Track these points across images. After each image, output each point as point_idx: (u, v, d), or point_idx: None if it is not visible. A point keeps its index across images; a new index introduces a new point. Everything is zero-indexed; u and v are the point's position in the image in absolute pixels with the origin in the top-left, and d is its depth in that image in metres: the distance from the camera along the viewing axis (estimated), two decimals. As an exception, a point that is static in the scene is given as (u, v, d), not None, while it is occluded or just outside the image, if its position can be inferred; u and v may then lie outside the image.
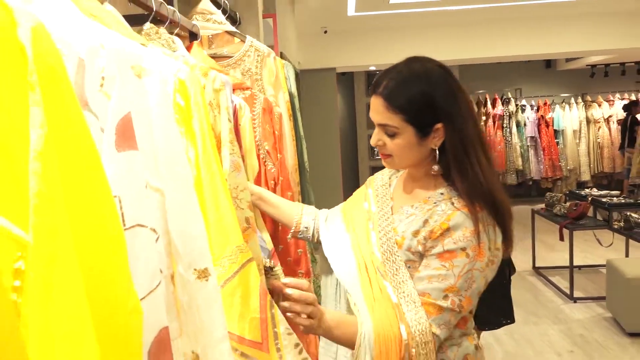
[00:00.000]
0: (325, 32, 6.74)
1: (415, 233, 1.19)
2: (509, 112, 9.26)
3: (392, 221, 1.26)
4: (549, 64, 9.82)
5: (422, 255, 1.18)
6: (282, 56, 4.09)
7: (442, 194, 1.21)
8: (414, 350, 1.10)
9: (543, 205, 5.42)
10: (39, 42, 0.36)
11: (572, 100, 9.27)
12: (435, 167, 1.21)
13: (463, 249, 1.13)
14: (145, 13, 1.29)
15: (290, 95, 2.05)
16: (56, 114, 0.36)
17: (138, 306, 0.44)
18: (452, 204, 1.17)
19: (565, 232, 4.74)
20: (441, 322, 1.14)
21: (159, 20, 1.31)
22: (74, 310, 0.35)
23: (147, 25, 1.23)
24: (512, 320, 2.81)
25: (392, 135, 1.18)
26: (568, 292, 4.75)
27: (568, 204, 4.98)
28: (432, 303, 1.13)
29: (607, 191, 5.55)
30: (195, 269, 0.59)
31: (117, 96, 0.51)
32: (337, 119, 7.08)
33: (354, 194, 1.46)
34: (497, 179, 1.19)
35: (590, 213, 5.11)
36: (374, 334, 1.11)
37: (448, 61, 8.04)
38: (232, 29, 1.84)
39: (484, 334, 4.10)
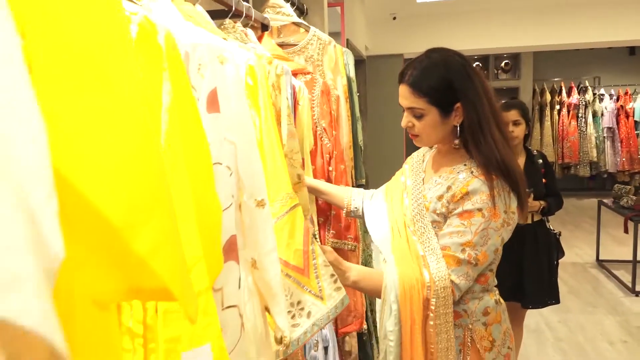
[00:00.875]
0: (394, 18, 6.85)
1: (440, 197, 1.37)
2: (585, 101, 8.90)
3: (423, 190, 1.46)
4: (632, 51, 9.29)
5: (445, 217, 1.38)
6: (347, 43, 4.31)
7: (464, 165, 1.39)
8: (433, 293, 1.29)
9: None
10: (168, 43, 0.62)
11: (657, 89, 8.76)
12: (456, 142, 1.40)
13: (480, 210, 1.30)
14: (226, 9, 1.58)
15: (349, 79, 2.28)
16: (176, 86, 0.62)
17: (221, 213, 0.70)
18: (472, 172, 1.35)
19: (631, 225, 4.64)
20: (460, 273, 1.32)
21: (236, 14, 1.59)
22: (187, 204, 0.62)
23: (227, 20, 1.51)
24: (557, 301, 2.90)
25: (419, 117, 1.37)
26: (630, 285, 4.66)
27: (636, 196, 4.85)
28: (452, 255, 1.31)
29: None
30: (255, 199, 0.84)
31: (208, 77, 0.77)
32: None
33: (396, 173, 1.67)
34: (510, 151, 1.36)
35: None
36: (399, 278, 1.31)
37: (521, 47, 7.88)
38: (298, 20, 2.09)
39: (537, 318, 4.17)
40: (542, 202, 2.76)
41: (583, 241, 6.41)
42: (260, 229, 0.85)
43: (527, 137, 2.84)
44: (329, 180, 1.86)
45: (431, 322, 1.31)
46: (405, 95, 1.37)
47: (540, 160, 2.85)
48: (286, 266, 1.03)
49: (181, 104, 0.63)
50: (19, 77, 0.35)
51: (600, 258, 5.53)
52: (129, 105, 0.46)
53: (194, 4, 1.25)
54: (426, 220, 1.41)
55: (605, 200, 5.35)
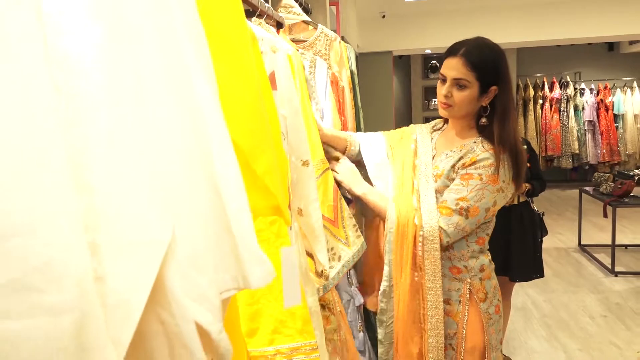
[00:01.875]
0: (384, 16, 7.10)
1: (453, 166, 1.57)
2: (566, 96, 9.25)
3: (434, 161, 1.66)
4: (611, 47, 9.67)
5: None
6: (343, 40, 4.54)
7: (474, 142, 1.58)
8: (422, 234, 1.51)
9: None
10: (251, 35, 0.85)
11: (635, 84, 9.13)
12: (483, 119, 1.58)
13: (480, 175, 1.51)
14: (251, 10, 1.80)
15: (351, 72, 2.52)
16: (259, 68, 0.85)
17: (288, 164, 0.93)
18: (483, 146, 1.55)
19: (610, 210, 4.94)
20: (450, 222, 1.51)
21: (260, 15, 1.81)
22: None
23: (253, 19, 1.74)
24: (542, 275, 3.17)
25: (461, 88, 1.52)
26: (610, 266, 4.97)
27: (614, 183, 5.16)
28: (445, 206, 1.52)
29: (656, 172, 5.64)
30: (301, 160, 1.07)
31: (267, 62, 0.99)
32: (393, 100, 7.45)
33: (398, 133, 1.83)
34: (519, 136, 1.60)
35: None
36: (396, 213, 1.55)
37: (505, 44, 8.17)
38: (307, 18, 2.32)
39: (524, 297, 4.45)
40: (526, 185, 3.03)
41: (566, 228, 6.72)
42: (306, 183, 1.08)
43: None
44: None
45: (420, 263, 1.52)
46: (455, 67, 1.52)
47: (525, 147, 3.11)
48: (322, 219, 1.26)
49: (262, 79, 0.85)
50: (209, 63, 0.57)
51: (582, 243, 5.84)
52: (252, 79, 0.69)
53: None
54: (430, 187, 1.59)
55: (586, 188, 5.65)
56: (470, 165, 1.54)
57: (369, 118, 6.30)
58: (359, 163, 1.81)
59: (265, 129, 0.70)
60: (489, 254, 1.69)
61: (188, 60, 0.46)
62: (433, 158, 1.67)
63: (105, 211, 0.36)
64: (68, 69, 0.36)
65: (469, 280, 1.58)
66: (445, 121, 1.76)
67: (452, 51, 1.56)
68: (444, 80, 1.57)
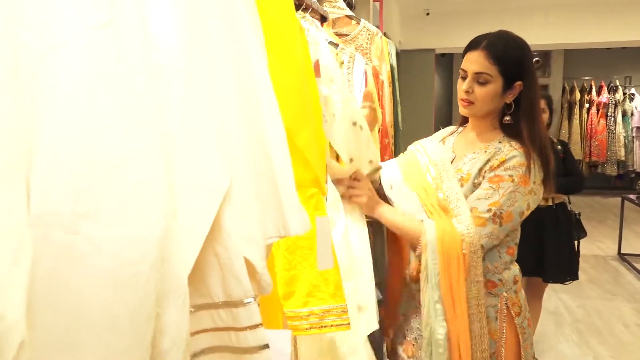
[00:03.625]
0: (428, 14, 7.07)
1: (480, 170, 1.44)
2: (615, 101, 8.97)
3: (455, 165, 1.52)
4: (666, 51, 9.28)
5: None
6: (385, 36, 4.58)
7: (500, 142, 1.47)
8: (466, 247, 1.37)
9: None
10: (298, 25, 0.96)
11: (689, 90, 8.77)
12: (507, 117, 1.48)
13: (510, 176, 1.39)
14: (297, 3, 1.89)
15: (391, 67, 2.58)
16: (305, 56, 0.94)
17: (325, 143, 1.03)
18: (510, 145, 1.44)
19: (653, 218, 4.81)
20: (484, 233, 1.38)
21: (305, 9, 1.90)
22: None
23: (299, 12, 1.83)
24: (576, 277, 3.16)
25: (483, 83, 1.42)
26: (650, 276, 4.84)
27: (659, 191, 5.01)
28: (478, 216, 1.38)
29: None
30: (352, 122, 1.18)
31: (312, 52, 1.09)
32: (433, 99, 7.42)
33: (403, 156, 1.70)
34: (547, 136, 1.52)
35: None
36: (437, 232, 1.39)
37: (553, 45, 7.98)
38: (351, 13, 2.40)
39: (557, 302, 4.40)
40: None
41: (606, 236, 6.56)
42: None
43: (549, 125, 3.09)
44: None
45: (463, 279, 1.38)
46: (477, 61, 1.42)
47: (560, 147, 3.10)
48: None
49: (307, 66, 0.94)
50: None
51: (622, 252, 5.69)
52: (296, 62, 0.78)
53: None
54: (460, 194, 1.45)
55: (629, 196, 5.51)
56: (498, 166, 1.42)
57: (408, 115, 6.30)
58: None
59: (306, 108, 0.78)
60: (517, 264, 1.58)
61: (249, 44, 0.55)
62: (452, 162, 1.55)
63: (179, 158, 0.45)
64: (156, 46, 0.45)
65: (505, 295, 1.47)
66: (462, 123, 1.65)
67: (473, 44, 1.45)
68: (464, 77, 1.47)
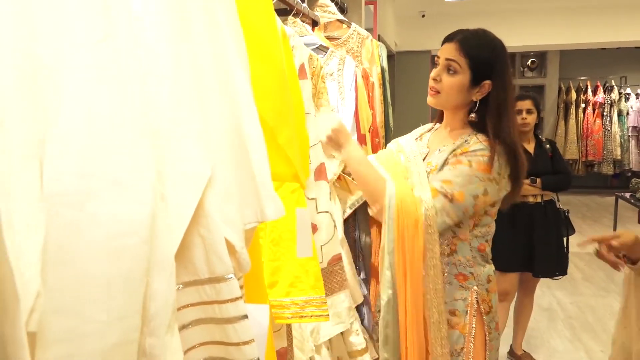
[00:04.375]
0: (423, 16, 7.16)
1: (445, 160, 1.48)
2: (610, 100, 9.05)
3: (427, 160, 1.56)
4: (660, 51, 9.37)
5: None
6: (379, 38, 4.67)
7: (468, 135, 1.50)
8: (422, 212, 1.37)
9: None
10: (282, 32, 1.02)
11: (684, 90, 8.84)
12: (472, 115, 1.52)
13: (469, 161, 1.41)
14: (288, 9, 1.97)
15: (382, 69, 2.66)
16: (287, 59, 1.01)
17: (309, 143, 1.10)
18: (477, 138, 1.47)
19: (645, 215, 4.89)
20: (438, 206, 1.38)
21: (296, 14, 1.98)
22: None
23: (290, 17, 1.91)
24: (565, 273, 3.23)
25: (451, 72, 1.44)
26: (642, 273, 4.90)
27: (651, 189, 5.09)
28: (432, 188, 1.41)
29: (697, 180, 5.51)
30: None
31: (297, 56, 1.16)
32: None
33: (382, 152, 1.74)
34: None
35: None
36: (398, 191, 1.39)
37: (548, 46, 8.03)
38: (342, 17, 2.47)
39: (550, 298, 4.47)
40: (528, 182, 2.99)
41: (601, 234, 6.62)
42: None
43: (538, 125, 3.16)
44: (365, 151, 2.23)
45: (422, 245, 1.37)
46: (449, 51, 1.45)
47: (548, 146, 3.18)
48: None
49: (288, 69, 1.02)
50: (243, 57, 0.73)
51: (616, 249, 5.76)
52: (277, 65, 0.85)
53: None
54: (425, 180, 1.48)
55: (622, 194, 5.58)
56: (461, 154, 1.45)
57: (404, 116, 6.40)
58: None
59: (287, 109, 0.86)
60: (494, 265, 1.59)
61: (229, 50, 0.63)
62: (425, 157, 1.58)
63: (166, 149, 0.52)
64: (148, 52, 0.53)
65: (475, 289, 1.49)
66: (439, 120, 1.69)
67: (450, 36, 1.49)
68: (435, 65, 1.50)
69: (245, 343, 0.57)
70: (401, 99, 6.86)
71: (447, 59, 1.45)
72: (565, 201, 8.73)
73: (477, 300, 1.47)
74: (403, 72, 6.96)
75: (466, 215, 1.44)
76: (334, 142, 1.42)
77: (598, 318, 4.09)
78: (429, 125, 1.76)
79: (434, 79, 1.48)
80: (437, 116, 1.69)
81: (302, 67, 1.17)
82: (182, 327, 0.60)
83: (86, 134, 0.42)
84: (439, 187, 1.40)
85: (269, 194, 0.62)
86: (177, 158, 0.53)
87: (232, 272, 0.58)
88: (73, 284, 0.39)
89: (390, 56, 6.45)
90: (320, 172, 1.13)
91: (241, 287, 0.73)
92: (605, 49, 8.97)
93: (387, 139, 2.72)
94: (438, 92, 1.49)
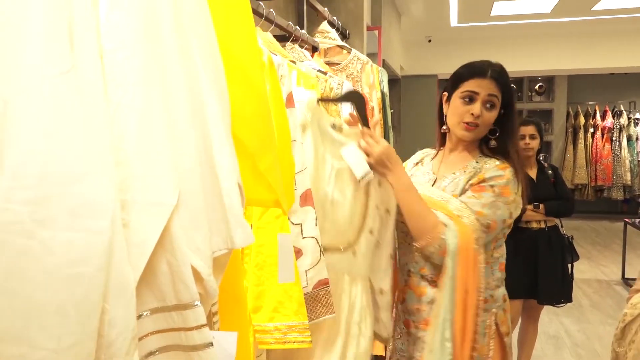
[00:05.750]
0: (430, 41, 7.24)
1: (463, 189, 1.49)
2: (619, 125, 9.01)
3: (438, 186, 1.55)
4: (669, 76, 9.34)
5: None
6: (384, 63, 4.72)
7: (477, 162, 1.53)
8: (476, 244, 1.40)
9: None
10: (269, 61, 1.04)
11: (694, 115, 8.78)
12: (493, 142, 1.56)
13: (492, 187, 1.45)
14: (286, 35, 2.01)
15: (383, 94, 2.68)
16: (272, 87, 1.03)
17: (294, 169, 1.12)
18: (490, 163, 1.50)
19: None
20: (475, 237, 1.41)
21: (295, 39, 2.02)
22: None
23: (288, 43, 1.94)
24: (570, 300, 3.18)
25: (489, 108, 1.49)
26: (652, 301, 4.80)
27: (660, 215, 5.01)
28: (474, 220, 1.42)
29: None
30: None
31: (286, 84, 1.18)
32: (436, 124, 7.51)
33: None
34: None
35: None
36: (460, 236, 1.38)
37: (556, 71, 8.04)
38: (342, 43, 2.51)
39: (557, 326, 4.39)
40: (531, 208, 2.99)
41: (610, 260, 6.53)
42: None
43: (540, 151, 3.16)
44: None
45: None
46: (489, 87, 1.48)
47: (550, 171, 3.16)
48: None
49: (274, 97, 1.04)
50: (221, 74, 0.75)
51: (626, 276, 5.66)
52: (259, 92, 0.87)
53: (265, 31, 1.68)
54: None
55: (631, 220, 5.50)
56: (482, 182, 1.47)
57: (411, 139, 6.42)
58: None
59: (269, 136, 0.87)
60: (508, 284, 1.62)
61: (202, 81, 0.65)
62: (434, 183, 1.59)
63: (133, 179, 0.54)
64: (117, 83, 0.55)
65: (494, 311, 1.50)
66: (442, 145, 1.68)
67: (480, 71, 1.50)
68: (470, 100, 1.49)
69: (208, 371, 0.57)
70: (408, 123, 6.90)
71: (489, 95, 1.48)
72: (574, 226, 8.69)
73: (495, 323, 1.49)
74: (409, 96, 7.00)
75: (499, 246, 1.51)
76: (382, 165, 1.41)
77: (605, 346, 3.99)
78: (428, 150, 1.76)
79: (476, 115, 1.48)
80: (439, 141, 1.69)
81: (289, 96, 1.19)
82: (149, 354, 0.61)
83: (42, 164, 0.43)
84: (474, 219, 1.41)
85: (238, 221, 0.63)
86: (144, 187, 0.54)
87: (198, 299, 0.58)
88: (22, 311, 0.40)
89: (396, 80, 6.51)
90: (306, 198, 1.13)
91: (215, 313, 0.74)
92: (613, 74, 8.98)
93: (387, 163, 2.73)
94: (477, 126, 1.50)
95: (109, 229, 0.47)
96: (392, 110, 6.21)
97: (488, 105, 1.49)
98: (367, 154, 1.41)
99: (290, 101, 1.18)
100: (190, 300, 0.58)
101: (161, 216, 0.55)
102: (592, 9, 5.77)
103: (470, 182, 1.50)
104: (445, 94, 1.60)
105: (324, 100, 1.39)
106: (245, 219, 0.65)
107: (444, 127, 1.62)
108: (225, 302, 0.86)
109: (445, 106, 1.61)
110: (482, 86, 1.48)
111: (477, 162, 1.55)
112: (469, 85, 1.49)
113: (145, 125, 0.56)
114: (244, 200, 0.68)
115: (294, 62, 1.53)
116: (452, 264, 1.38)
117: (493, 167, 1.49)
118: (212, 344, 0.58)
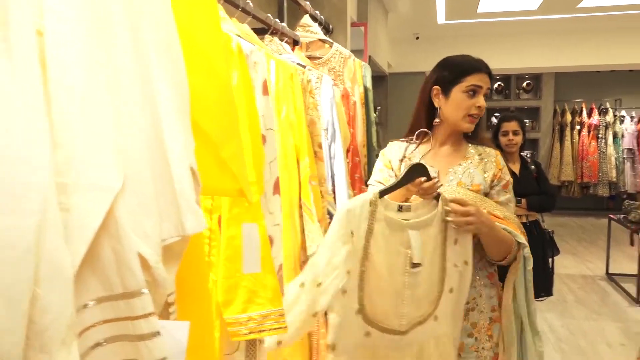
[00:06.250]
0: (417, 38, 7.24)
1: (485, 179, 1.59)
2: (605, 123, 9.09)
3: (447, 177, 1.61)
4: (654, 74, 9.43)
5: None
6: (370, 60, 4.70)
7: (472, 150, 1.65)
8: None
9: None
10: (238, 48, 1.02)
11: (679, 113, 8.88)
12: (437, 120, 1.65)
13: (507, 182, 1.63)
14: (266, 27, 1.98)
15: (365, 89, 2.67)
16: (241, 75, 1.01)
17: (264, 158, 1.11)
18: (486, 148, 1.66)
19: (638, 238, 4.85)
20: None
21: (274, 32, 1.99)
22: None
23: (267, 36, 1.92)
24: (550, 294, 3.20)
25: (485, 100, 1.59)
26: (635, 296, 4.86)
27: (643, 211, 5.06)
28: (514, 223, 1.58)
29: (689, 202, 5.49)
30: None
31: (260, 72, 1.16)
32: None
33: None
34: None
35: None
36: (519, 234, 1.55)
37: (543, 68, 8.09)
38: (324, 37, 2.50)
39: (541, 321, 4.41)
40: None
41: (596, 256, 6.58)
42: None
43: (523, 146, 3.18)
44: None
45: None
46: (486, 80, 1.58)
47: (533, 167, 3.18)
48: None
49: (243, 85, 1.02)
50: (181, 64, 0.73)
51: (610, 272, 5.71)
52: (222, 80, 0.85)
53: (241, 21, 1.65)
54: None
55: (614, 216, 5.55)
56: (502, 173, 1.62)
57: (399, 136, 6.42)
58: None
59: (233, 123, 0.85)
60: None
61: (152, 65, 0.63)
62: (439, 174, 1.62)
63: (74, 162, 0.52)
64: (57, 65, 0.53)
65: (500, 283, 1.70)
66: (419, 137, 1.71)
67: (478, 66, 1.58)
68: (474, 93, 1.56)
69: (156, 361, 0.56)
70: (395, 119, 6.90)
71: (487, 88, 1.58)
72: (561, 223, 8.74)
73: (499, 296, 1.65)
74: (397, 93, 7.00)
75: None
76: (480, 221, 1.43)
77: (589, 341, 4.02)
78: (397, 143, 1.76)
79: (483, 108, 1.58)
80: (420, 134, 1.70)
81: (264, 83, 1.17)
82: (97, 345, 0.59)
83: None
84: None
85: (190, 206, 0.61)
86: (86, 170, 0.52)
87: (145, 287, 0.56)
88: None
89: (383, 77, 6.50)
90: (276, 187, 1.12)
91: (171, 304, 0.72)
92: (599, 71, 9.05)
93: (370, 159, 2.72)
94: (478, 117, 1.61)
95: (39, 211, 0.45)
96: (379, 107, 6.22)
97: (484, 97, 1.59)
98: (463, 215, 1.42)
99: (264, 89, 1.16)
100: (137, 288, 0.56)
101: (104, 200, 0.53)
102: (577, 6, 5.81)
103: (493, 172, 1.61)
104: (438, 88, 1.61)
105: (386, 191, 1.40)
106: (197, 205, 0.63)
107: (437, 121, 1.63)
108: (187, 294, 0.85)
109: (436, 100, 1.62)
110: (482, 80, 1.56)
111: (472, 150, 1.65)
112: (473, 80, 1.55)
113: (88, 108, 0.54)
114: (199, 187, 0.66)
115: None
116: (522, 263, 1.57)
117: (493, 154, 1.65)
118: (159, 333, 0.57)
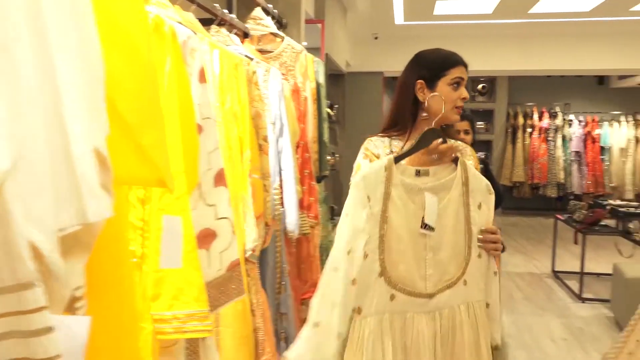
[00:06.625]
0: (376, 38, 7.29)
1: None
2: (555, 126, 9.43)
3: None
4: (601, 80, 9.87)
5: None
6: (327, 57, 4.69)
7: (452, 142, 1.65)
8: None
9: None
10: (171, 32, 0.97)
11: (622, 118, 9.30)
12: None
13: None
14: (213, 18, 1.93)
15: (318, 84, 2.65)
16: (174, 61, 0.97)
17: (198, 149, 1.06)
18: (465, 145, 1.75)
19: (582, 237, 5.05)
20: None
21: (222, 23, 1.94)
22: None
23: (213, 26, 1.87)
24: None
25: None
26: (578, 292, 5.05)
27: (587, 211, 5.27)
28: None
29: (627, 202, 5.76)
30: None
31: (197, 58, 1.12)
32: (382, 120, 7.60)
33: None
34: None
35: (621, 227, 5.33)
36: None
37: (497, 71, 8.28)
38: (276, 31, 2.46)
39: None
40: None
41: (543, 254, 6.82)
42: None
43: (472, 145, 3.23)
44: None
45: None
46: (465, 73, 1.62)
47: (482, 165, 3.24)
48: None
49: (176, 71, 0.97)
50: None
51: (556, 269, 5.93)
52: (144, 62, 0.80)
53: (184, 10, 1.60)
54: None
55: (560, 216, 5.76)
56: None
57: (357, 135, 6.45)
58: None
59: (155, 109, 0.81)
60: None
61: (53, 43, 0.58)
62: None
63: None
64: None
65: None
66: (399, 131, 1.69)
67: (461, 60, 1.63)
68: (457, 85, 1.59)
69: (50, 359, 0.51)
70: (354, 118, 6.93)
71: (466, 80, 1.62)
72: (512, 222, 9.00)
73: None
74: (356, 92, 7.03)
75: None
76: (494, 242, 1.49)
77: (534, 337, 4.15)
78: (376, 139, 1.73)
79: (466, 99, 1.61)
80: (409, 131, 1.66)
81: (201, 71, 1.13)
82: (-14, 342, 0.54)
83: None
84: None
85: (92, 192, 0.57)
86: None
87: (36, 279, 0.52)
88: None
89: (341, 76, 6.51)
90: (220, 178, 1.08)
91: (78, 298, 0.67)
92: (550, 76, 9.39)
93: (321, 154, 2.70)
94: (461, 109, 1.63)
95: None
96: (336, 105, 6.20)
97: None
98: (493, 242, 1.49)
99: (202, 76, 1.11)
100: (28, 280, 0.51)
101: (-12, 183, 0.48)
102: (529, 11, 5.98)
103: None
104: (422, 82, 1.60)
105: (402, 157, 1.42)
106: (103, 190, 0.59)
107: (425, 115, 1.62)
108: (107, 288, 0.80)
109: (421, 94, 1.61)
110: (463, 72, 1.61)
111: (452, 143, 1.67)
112: (457, 72, 1.59)
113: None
114: (109, 172, 0.62)
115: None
116: None
117: (468, 148, 1.76)
118: (53, 329, 0.52)
